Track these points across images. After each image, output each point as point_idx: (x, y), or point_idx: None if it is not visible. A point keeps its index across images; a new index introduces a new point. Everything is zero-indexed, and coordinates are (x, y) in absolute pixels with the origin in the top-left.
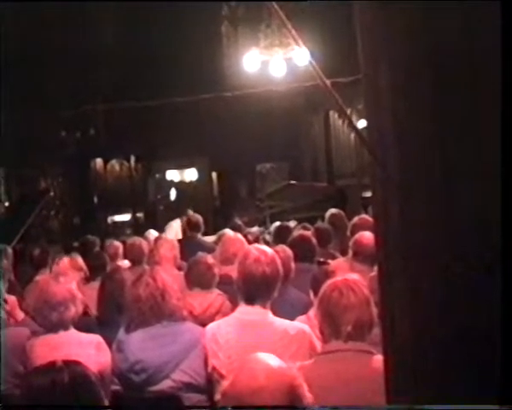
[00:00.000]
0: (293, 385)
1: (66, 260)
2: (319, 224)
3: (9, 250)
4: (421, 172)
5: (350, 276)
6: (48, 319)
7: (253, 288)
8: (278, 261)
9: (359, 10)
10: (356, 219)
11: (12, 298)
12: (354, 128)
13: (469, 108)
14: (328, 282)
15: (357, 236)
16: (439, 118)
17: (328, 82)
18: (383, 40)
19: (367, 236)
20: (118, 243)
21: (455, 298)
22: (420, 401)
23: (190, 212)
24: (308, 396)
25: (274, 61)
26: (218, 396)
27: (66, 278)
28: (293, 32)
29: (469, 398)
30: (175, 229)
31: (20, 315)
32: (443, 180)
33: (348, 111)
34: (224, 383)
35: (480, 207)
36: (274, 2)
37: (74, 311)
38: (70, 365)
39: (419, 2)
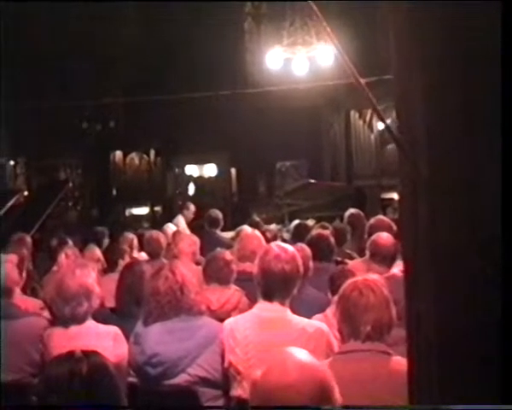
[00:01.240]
0: (325, 386)
1: (85, 251)
2: (337, 223)
3: (28, 239)
4: (452, 173)
5: (370, 276)
6: (61, 311)
7: (272, 284)
8: (299, 260)
9: (392, 12)
10: (373, 219)
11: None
12: (385, 125)
13: (500, 109)
14: (348, 281)
15: (374, 237)
16: (470, 119)
17: (362, 80)
18: (416, 41)
19: (384, 237)
20: (132, 235)
21: (482, 298)
22: (444, 401)
23: (190, 204)
24: (338, 398)
25: (297, 60)
26: (234, 392)
27: (84, 271)
28: (329, 29)
29: (494, 397)
30: (181, 225)
31: None
32: (472, 180)
33: (369, 111)
34: (256, 373)
35: (509, 208)
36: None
37: (87, 306)
38: (89, 355)
39: (451, 5)
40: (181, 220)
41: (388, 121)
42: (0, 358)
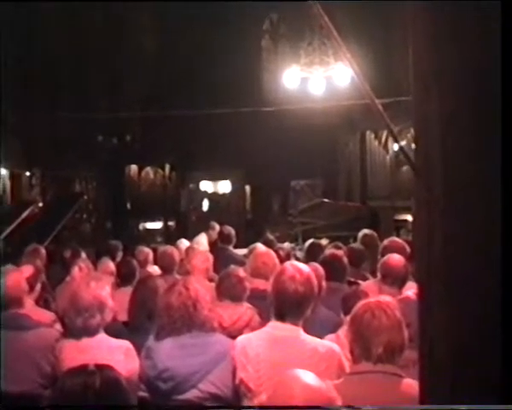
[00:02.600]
0: (330, 406)
1: (98, 264)
2: (352, 244)
3: (42, 250)
4: (467, 198)
5: (383, 298)
6: (73, 323)
7: (285, 305)
8: (314, 281)
9: (412, 37)
10: (386, 241)
11: None
12: (400, 147)
13: None
14: (361, 302)
15: (385, 258)
16: (487, 144)
17: (377, 101)
18: (435, 67)
19: (395, 258)
20: (147, 250)
21: (496, 321)
22: None
23: (215, 224)
24: None
25: (313, 79)
26: None
27: (98, 284)
28: (345, 50)
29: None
30: (202, 244)
31: None
32: (487, 206)
33: (384, 132)
34: (261, 397)
35: None
36: (328, 22)
37: (100, 318)
38: (102, 369)
39: (472, 27)
40: (204, 239)
41: (403, 143)
42: (0, 367)
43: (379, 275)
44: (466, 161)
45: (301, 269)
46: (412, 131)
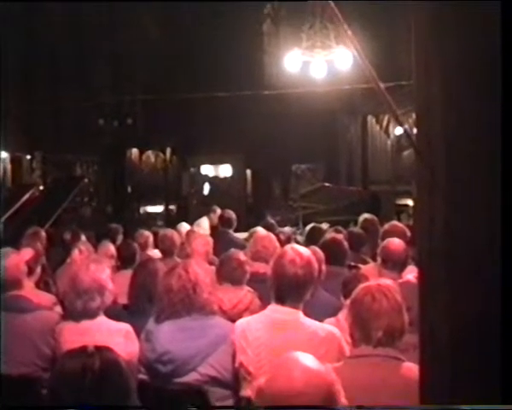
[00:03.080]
0: (331, 391)
1: (99, 247)
2: (352, 228)
3: (43, 233)
4: (469, 181)
5: (383, 281)
6: (73, 305)
7: (284, 288)
8: (314, 265)
9: (414, 19)
10: (387, 225)
11: None
12: (404, 130)
13: None
14: (361, 286)
15: (384, 242)
16: (490, 127)
17: (381, 85)
18: (436, 49)
19: (395, 242)
20: (148, 233)
21: (496, 309)
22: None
23: (217, 208)
24: (344, 403)
25: (315, 63)
26: (243, 392)
27: (98, 266)
28: (349, 32)
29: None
30: (203, 227)
31: None
32: (490, 190)
33: (386, 117)
34: (260, 380)
35: None
36: (331, 2)
37: (100, 301)
38: (101, 350)
39: (474, 13)
40: (205, 222)
41: (405, 127)
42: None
43: (379, 259)
44: (468, 144)
45: (301, 253)
46: (414, 115)
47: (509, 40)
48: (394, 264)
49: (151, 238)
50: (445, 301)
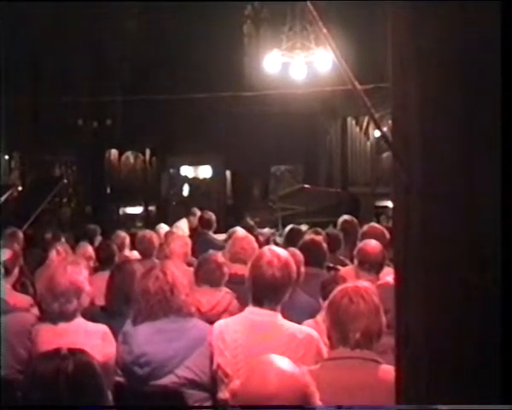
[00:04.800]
0: (305, 393)
1: (77, 248)
2: (330, 229)
3: (20, 234)
4: (446, 182)
5: (361, 283)
6: (50, 307)
7: (262, 290)
8: (291, 267)
9: (391, 17)
10: (366, 227)
11: None
12: (381, 132)
13: (499, 115)
14: (339, 288)
15: (361, 244)
16: (467, 127)
17: (359, 86)
18: (413, 47)
19: (372, 244)
20: (124, 234)
21: (471, 311)
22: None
23: (197, 210)
24: (319, 404)
25: (295, 64)
26: (221, 395)
27: (75, 268)
28: (327, 33)
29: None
30: (182, 229)
31: None
32: (468, 191)
33: (365, 119)
34: (234, 383)
35: (503, 222)
36: (308, 3)
37: (77, 304)
38: (75, 353)
39: (451, 7)
40: (184, 224)
41: (384, 129)
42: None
43: (356, 261)
44: (445, 144)
45: (279, 254)
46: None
47: (488, 38)
48: (371, 266)
49: (128, 239)
50: (420, 302)
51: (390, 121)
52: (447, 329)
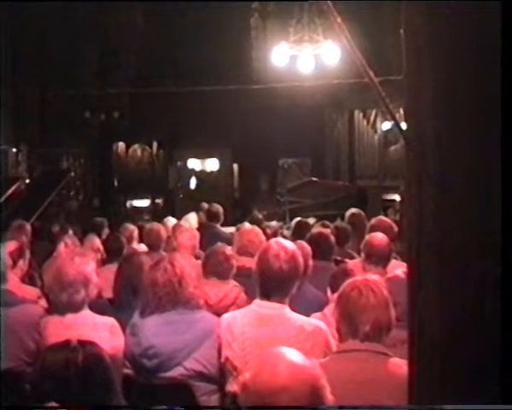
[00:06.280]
0: (316, 386)
1: (84, 240)
2: (338, 222)
3: (28, 227)
4: (460, 172)
5: (370, 276)
6: (58, 298)
7: (269, 283)
8: (298, 259)
9: (405, 10)
10: (373, 220)
11: None
12: (395, 121)
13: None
14: (348, 281)
15: (368, 237)
16: (480, 117)
17: (375, 78)
18: (427, 39)
19: (378, 237)
20: (132, 227)
21: (486, 301)
22: (444, 403)
23: (205, 205)
24: (330, 398)
25: (303, 57)
26: (229, 387)
27: (83, 259)
28: (341, 24)
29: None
30: (191, 223)
31: None
32: (481, 182)
33: (373, 112)
34: (244, 375)
35: None
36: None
37: (84, 294)
38: (85, 345)
39: (464, 2)
40: (193, 218)
41: (396, 117)
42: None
43: (363, 254)
44: (459, 133)
45: (286, 247)
46: (402, 110)
47: (503, 30)
48: (378, 259)
49: (136, 232)
50: (435, 296)
51: (398, 115)
52: (462, 322)
